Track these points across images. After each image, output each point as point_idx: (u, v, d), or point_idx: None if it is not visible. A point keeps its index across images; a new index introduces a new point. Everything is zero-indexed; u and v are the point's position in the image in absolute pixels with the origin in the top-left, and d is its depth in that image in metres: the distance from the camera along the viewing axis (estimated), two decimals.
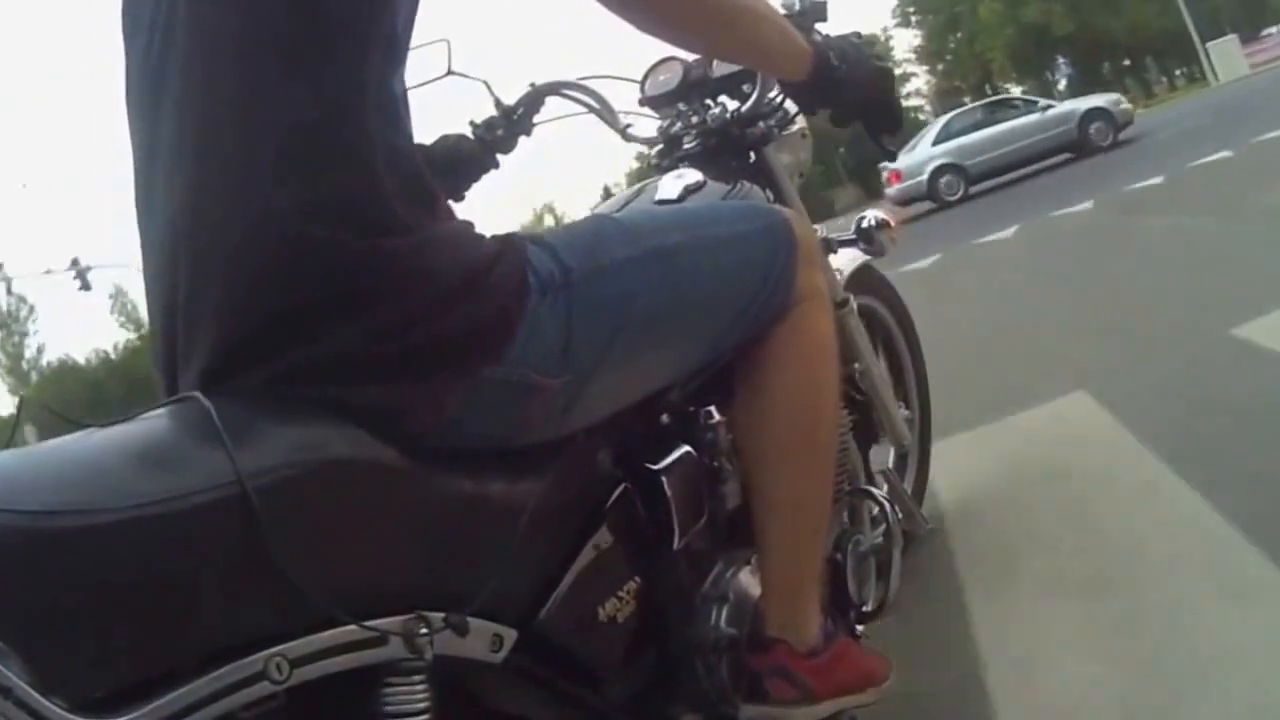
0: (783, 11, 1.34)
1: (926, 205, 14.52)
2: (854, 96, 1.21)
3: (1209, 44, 29.92)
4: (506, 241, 0.92)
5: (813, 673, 1.12)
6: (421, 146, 1.49)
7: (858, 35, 1.25)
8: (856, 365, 1.73)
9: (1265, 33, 37.61)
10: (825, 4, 1.45)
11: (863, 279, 1.91)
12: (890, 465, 2.00)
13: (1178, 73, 50.45)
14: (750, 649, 1.12)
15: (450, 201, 1.55)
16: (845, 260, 1.85)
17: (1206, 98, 21.51)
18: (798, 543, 1.13)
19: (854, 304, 1.71)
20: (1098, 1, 38.50)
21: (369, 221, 0.81)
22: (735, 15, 1.07)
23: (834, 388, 1.19)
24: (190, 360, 0.82)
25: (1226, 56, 29.06)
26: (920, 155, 14.93)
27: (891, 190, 14.96)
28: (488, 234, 0.93)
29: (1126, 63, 49.59)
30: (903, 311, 2.12)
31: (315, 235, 0.78)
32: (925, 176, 14.69)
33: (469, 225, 0.91)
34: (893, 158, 1.57)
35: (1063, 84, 40.21)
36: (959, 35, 42.89)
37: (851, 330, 1.70)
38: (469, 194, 1.60)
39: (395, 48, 0.88)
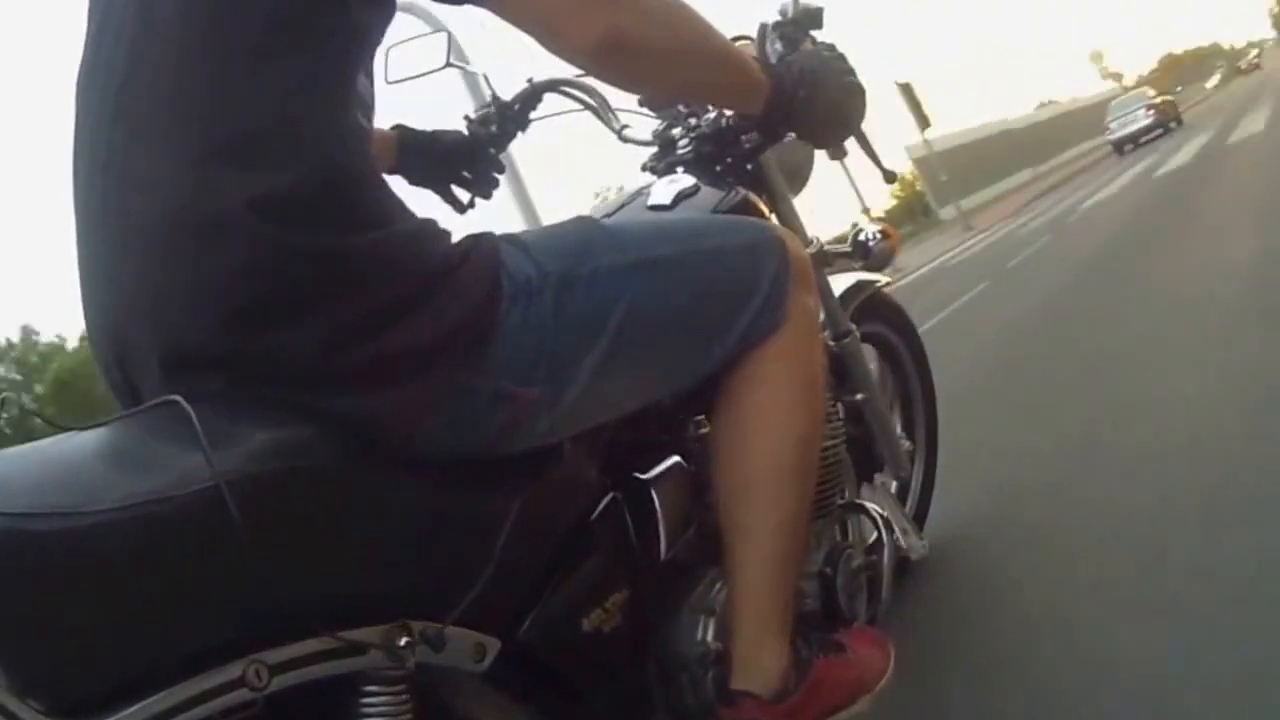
0: (777, 18, 1.32)
1: None
2: (811, 122, 1.16)
3: None
4: (477, 240, 0.90)
5: (786, 715, 1.07)
6: (429, 136, 1.46)
7: (830, 48, 1.20)
8: (859, 395, 1.68)
9: None
10: (821, 11, 1.42)
11: (874, 304, 1.85)
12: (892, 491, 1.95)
13: None
14: (718, 701, 1.08)
15: (479, 200, 1.53)
16: (854, 287, 1.79)
17: None
18: (768, 570, 1.07)
19: (858, 334, 1.66)
20: None
21: (327, 218, 0.80)
22: (686, 62, 1.00)
23: (818, 412, 1.15)
24: (147, 363, 0.80)
25: None
26: None
27: None
28: (457, 233, 0.91)
29: None
30: (914, 337, 2.05)
31: (271, 232, 0.77)
32: None
33: (432, 222, 0.89)
34: (892, 178, 1.55)
35: None
36: None
37: (854, 360, 1.66)
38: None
39: (361, 44, 0.88)
